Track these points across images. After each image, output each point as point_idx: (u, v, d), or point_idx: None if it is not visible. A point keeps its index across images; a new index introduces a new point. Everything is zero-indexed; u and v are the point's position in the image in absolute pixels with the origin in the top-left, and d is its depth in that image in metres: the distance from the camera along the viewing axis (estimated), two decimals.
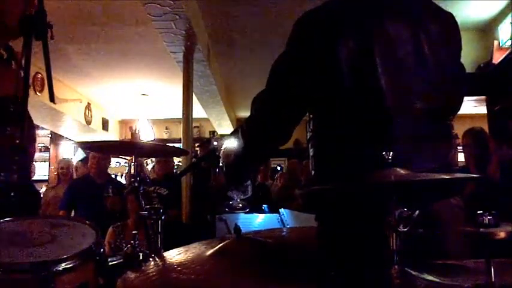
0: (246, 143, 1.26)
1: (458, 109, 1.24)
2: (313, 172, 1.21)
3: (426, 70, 1.13)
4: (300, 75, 1.15)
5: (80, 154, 6.87)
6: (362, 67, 1.09)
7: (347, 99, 1.10)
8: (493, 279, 0.75)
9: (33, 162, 4.88)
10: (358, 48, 1.09)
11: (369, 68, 1.08)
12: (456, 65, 1.23)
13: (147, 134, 7.26)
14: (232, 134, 1.35)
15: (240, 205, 1.45)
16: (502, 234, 0.80)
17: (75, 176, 5.01)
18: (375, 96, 1.09)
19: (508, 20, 4.08)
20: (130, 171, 5.26)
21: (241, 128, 1.29)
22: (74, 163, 5.39)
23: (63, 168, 5.02)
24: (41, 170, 7.61)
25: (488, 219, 0.82)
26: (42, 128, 7.32)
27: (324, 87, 1.12)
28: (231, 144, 1.32)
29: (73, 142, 7.92)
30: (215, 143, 1.53)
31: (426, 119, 1.12)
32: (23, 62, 1.25)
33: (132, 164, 1.54)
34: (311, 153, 1.23)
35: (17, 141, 1.26)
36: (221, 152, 1.39)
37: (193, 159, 4.17)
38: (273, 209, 3.14)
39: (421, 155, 1.10)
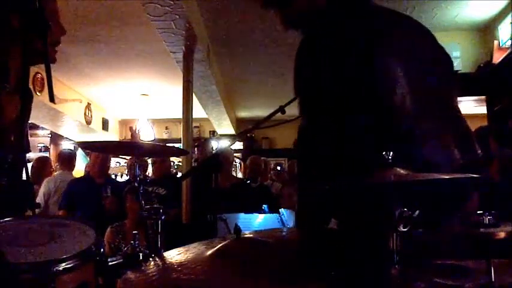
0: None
1: None
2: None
3: None
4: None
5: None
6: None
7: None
8: (493, 279, 0.75)
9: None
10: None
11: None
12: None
13: (147, 134, 7.26)
14: None
15: None
16: (502, 234, 0.80)
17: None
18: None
19: (508, 20, 4.07)
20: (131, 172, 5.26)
21: None
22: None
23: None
24: None
25: (488, 219, 0.82)
26: (42, 128, 7.31)
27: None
28: None
29: (73, 142, 7.92)
30: (215, 144, 1.54)
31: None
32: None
33: (132, 164, 1.55)
34: None
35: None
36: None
37: (194, 163, 4.16)
38: (273, 209, 3.14)
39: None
